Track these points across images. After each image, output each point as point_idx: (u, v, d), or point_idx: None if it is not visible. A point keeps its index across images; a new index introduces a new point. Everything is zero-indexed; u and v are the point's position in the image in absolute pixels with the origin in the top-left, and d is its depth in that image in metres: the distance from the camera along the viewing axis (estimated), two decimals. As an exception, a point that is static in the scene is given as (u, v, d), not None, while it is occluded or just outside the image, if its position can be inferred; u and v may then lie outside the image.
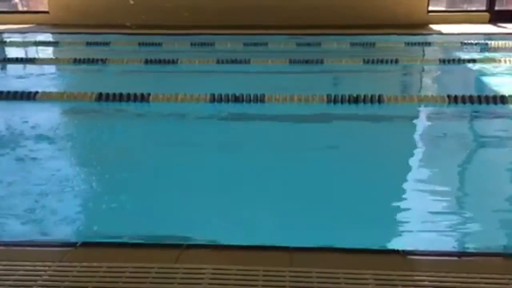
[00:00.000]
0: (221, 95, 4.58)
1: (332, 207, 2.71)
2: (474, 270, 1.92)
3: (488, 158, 3.64)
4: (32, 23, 10.40)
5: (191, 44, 8.16)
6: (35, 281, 1.82)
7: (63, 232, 2.47)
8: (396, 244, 2.19)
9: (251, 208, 2.72)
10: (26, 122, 4.20)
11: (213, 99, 4.58)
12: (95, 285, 1.81)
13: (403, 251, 2.07)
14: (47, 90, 4.90)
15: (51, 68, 6.95)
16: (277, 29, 9.15)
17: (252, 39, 8.25)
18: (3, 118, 4.46)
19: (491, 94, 4.75)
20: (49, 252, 2.11)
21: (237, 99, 4.57)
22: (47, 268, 1.90)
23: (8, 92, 4.79)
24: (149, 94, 4.65)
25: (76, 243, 2.14)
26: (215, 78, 6.16)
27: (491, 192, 2.97)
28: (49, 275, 1.86)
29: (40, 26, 10.11)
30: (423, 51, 8.19)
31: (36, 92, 4.72)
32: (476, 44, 7.94)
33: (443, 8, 11.92)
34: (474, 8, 11.18)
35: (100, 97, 4.63)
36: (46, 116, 4.43)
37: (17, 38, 9.03)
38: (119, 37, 8.57)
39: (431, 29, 9.68)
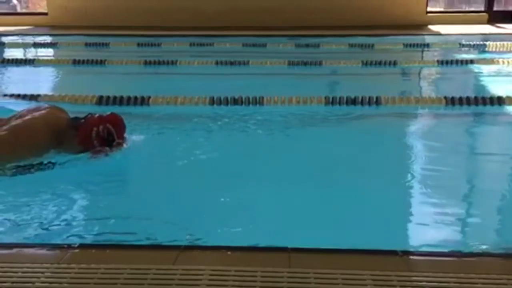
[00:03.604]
0: (220, 97, 4.58)
1: (330, 208, 2.71)
2: (472, 270, 1.92)
3: (485, 159, 3.65)
4: (30, 25, 10.40)
5: (190, 45, 8.17)
6: (33, 282, 1.82)
7: (61, 233, 2.47)
8: (394, 244, 2.19)
9: (250, 209, 2.72)
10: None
11: (212, 101, 4.58)
12: (93, 286, 1.81)
13: (401, 251, 2.07)
14: (48, 92, 4.91)
15: (50, 70, 6.96)
16: (275, 30, 9.17)
17: (250, 40, 8.26)
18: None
19: (488, 95, 4.76)
20: (47, 253, 2.11)
21: (236, 101, 4.57)
22: (45, 269, 1.90)
23: (11, 95, 4.79)
24: (149, 97, 4.65)
25: (74, 244, 2.14)
26: (214, 79, 6.17)
27: (489, 192, 2.98)
28: (47, 277, 1.86)
29: (39, 28, 10.12)
30: (422, 52, 8.20)
31: (38, 95, 4.72)
32: (474, 45, 7.95)
33: (441, 9, 11.96)
34: (472, 9, 11.21)
35: (100, 100, 4.63)
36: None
37: (16, 39, 9.04)
38: (118, 38, 8.58)
39: (429, 29, 9.69)
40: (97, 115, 3.11)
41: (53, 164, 2.98)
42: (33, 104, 3.41)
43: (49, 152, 3.04)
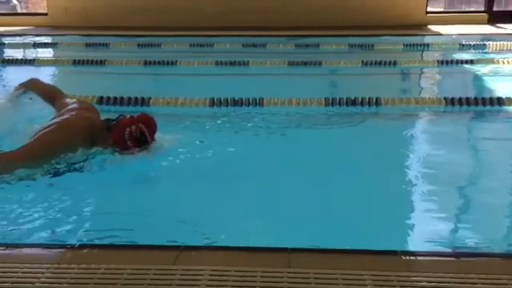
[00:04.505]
0: (220, 99, 4.58)
1: (330, 209, 2.71)
2: (472, 270, 1.92)
3: (485, 159, 3.65)
4: (31, 25, 10.41)
5: (190, 45, 8.18)
6: (33, 283, 1.82)
7: (61, 233, 2.47)
8: (394, 244, 2.20)
9: (250, 209, 2.73)
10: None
11: (212, 103, 4.59)
12: (93, 287, 1.81)
13: (401, 251, 2.08)
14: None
15: (50, 70, 6.96)
16: (275, 31, 9.17)
17: (250, 41, 8.26)
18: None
19: (488, 95, 4.75)
20: (47, 253, 2.11)
21: (236, 103, 4.57)
22: (45, 270, 1.91)
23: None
24: (149, 98, 4.65)
25: (74, 244, 2.15)
26: (214, 79, 6.17)
27: (489, 192, 2.98)
28: (47, 277, 1.86)
29: (39, 28, 10.13)
30: (422, 52, 8.20)
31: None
32: (474, 45, 7.95)
33: (441, 9, 11.95)
34: (472, 9, 11.21)
35: (101, 101, 4.63)
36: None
37: (16, 40, 9.05)
38: (118, 39, 8.58)
39: (429, 30, 9.70)
40: (128, 115, 3.16)
41: (68, 166, 3.00)
42: (69, 101, 3.43)
43: (82, 153, 3.09)
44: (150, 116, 3.18)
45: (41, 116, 3.48)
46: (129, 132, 3.04)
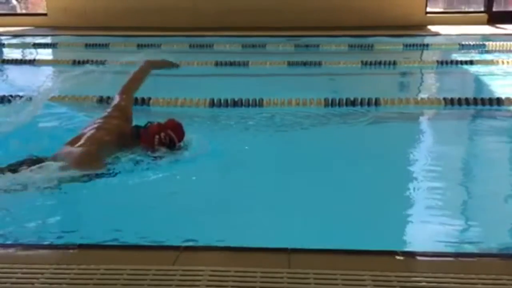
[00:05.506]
0: (220, 99, 4.59)
1: (330, 209, 2.71)
2: (472, 271, 1.92)
3: (484, 160, 3.64)
4: (30, 26, 10.42)
5: (190, 46, 8.18)
6: (33, 283, 1.82)
7: (61, 234, 2.47)
8: (394, 245, 2.20)
9: (249, 210, 2.72)
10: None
11: (212, 103, 4.59)
12: (93, 287, 1.81)
13: (401, 252, 2.08)
14: (48, 93, 4.89)
15: (50, 70, 6.95)
16: (275, 31, 9.17)
17: (250, 41, 8.27)
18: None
19: (487, 96, 4.76)
20: (47, 254, 2.11)
21: (236, 103, 4.58)
22: (45, 270, 1.90)
23: (12, 96, 4.77)
24: (149, 98, 4.65)
25: (74, 245, 2.14)
26: (214, 80, 6.17)
27: (489, 193, 2.99)
28: (46, 278, 1.86)
29: (39, 29, 10.13)
30: (421, 53, 8.20)
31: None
32: (474, 45, 7.95)
33: (441, 9, 11.96)
34: (472, 9, 11.22)
35: (101, 101, 4.62)
36: (47, 119, 4.40)
37: (16, 40, 9.05)
38: (118, 39, 8.58)
39: (429, 30, 9.70)
40: (156, 122, 3.23)
41: None
42: (113, 102, 3.52)
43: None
44: (178, 122, 3.23)
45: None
46: (158, 139, 3.11)
